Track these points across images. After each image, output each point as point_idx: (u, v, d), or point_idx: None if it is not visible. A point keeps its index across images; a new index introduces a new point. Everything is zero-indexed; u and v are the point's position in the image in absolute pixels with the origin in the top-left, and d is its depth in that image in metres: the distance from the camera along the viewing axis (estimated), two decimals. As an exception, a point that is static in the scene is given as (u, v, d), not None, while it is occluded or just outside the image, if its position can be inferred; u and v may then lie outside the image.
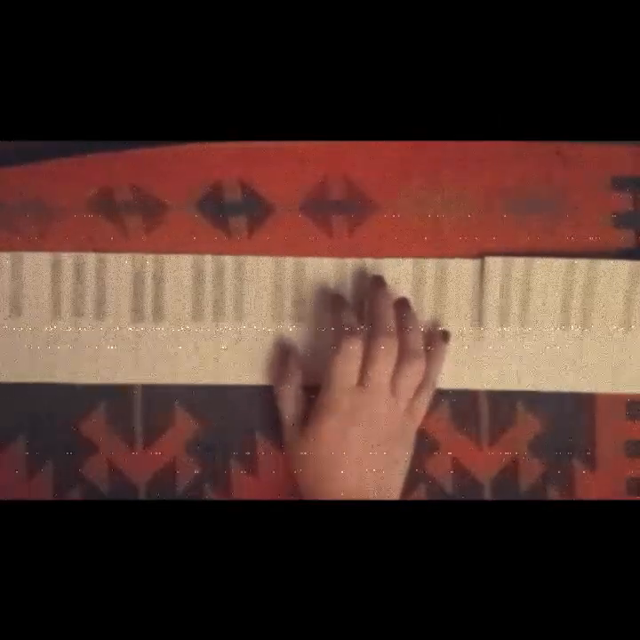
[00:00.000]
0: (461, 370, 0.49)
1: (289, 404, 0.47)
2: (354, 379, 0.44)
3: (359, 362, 0.44)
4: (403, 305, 0.47)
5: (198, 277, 0.49)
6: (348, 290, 0.49)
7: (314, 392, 0.46)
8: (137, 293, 0.49)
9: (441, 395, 0.49)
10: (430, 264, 0.49)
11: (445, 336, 0.48)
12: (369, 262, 0.49)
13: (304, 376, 0.48)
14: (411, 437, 0.47)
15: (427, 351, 0.47)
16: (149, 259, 0.49)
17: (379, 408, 0.45)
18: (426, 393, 0.47)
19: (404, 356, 0.45)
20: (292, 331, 0.49)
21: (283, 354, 0.48)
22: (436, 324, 0.49)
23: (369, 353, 0.44)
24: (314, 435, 0.45)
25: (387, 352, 0.44)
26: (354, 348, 0.44)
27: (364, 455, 0.44)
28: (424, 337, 0.47)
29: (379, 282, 0.48)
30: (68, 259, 0.49)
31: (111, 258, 0.49)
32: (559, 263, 0.49)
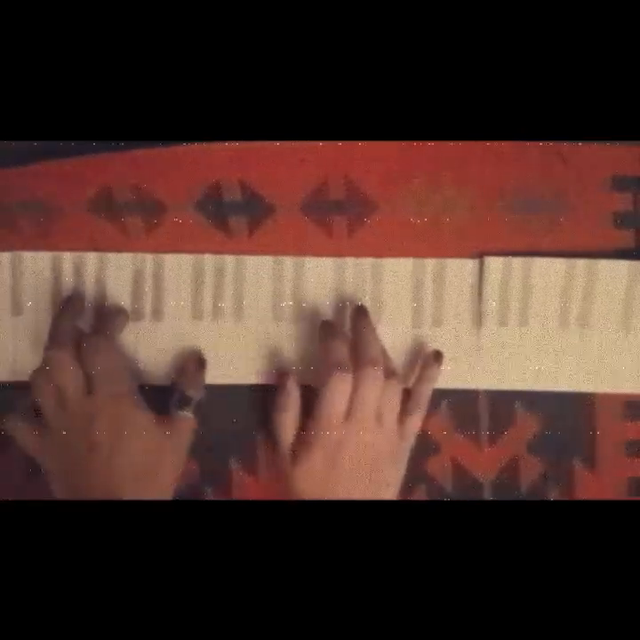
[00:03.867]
0: (460, 369, 0.49)
1: (287, 433, 0.47)
2: (342, 413, 0.45)
3: (348, 396, 0.45)
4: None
5: (198, 277, 0.49)
6: (345, 291, 0.49)
7: (311, 392, 0.46)
8: (137, 293, 0.49)
9: (441, 395, 0.49)
10: (429, 264, 0.49)
11: (437, 357, 0.48)
12: (368, 262, 0.49)
13: (302, 376, 0.48)
14: (403, 458, 0.47)
15: (419, 372, 0.48)
16: (149, 258, 0.49)
17: (366, 437, 0.45)
18: (416, 414, 0.47)
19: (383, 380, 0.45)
20: (291, 330, 0.49)
21: (282, 379, 0.47)
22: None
23: (356, 385, 0.44)
24: (304, 468, 0.45)
25: (372, 383, 0.45)
26: (343, 384, 0.44)
27: (354, 484, 0.45)
28: (415, 357, 0.49)
29: (360, 312, 0.47)
30: (68, 258, 0.49)
31: (111, 257, 0.49)
32: (558, 263, 0.49)
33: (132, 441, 0.44)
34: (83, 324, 0.48)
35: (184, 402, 0.47)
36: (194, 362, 0.49)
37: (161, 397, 0.48)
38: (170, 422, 0.46)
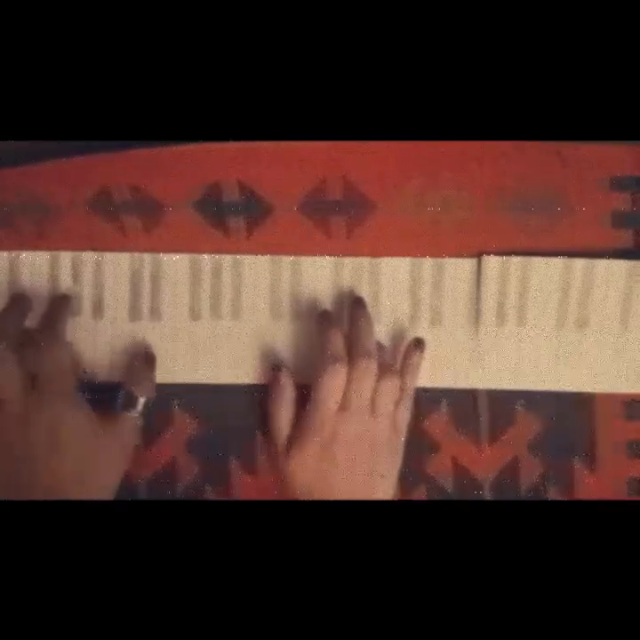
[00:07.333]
0: (459, 369, 0.49)
1: (282, 426, 0.47)
2: (337, 403, 0.45)
3: (343, 387, 0.45)
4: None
5: (196, 276, 0.49)
6: (344, 291, 0.49)
7: (308, 390, 0.46)
8: (135, 292, 0.49)
9: (440, 394, 0.49)
10: (428, 263, 0.49)
11: (419, 344, 0.48)
12: (367, 262, 0.49)
13: (301, 375, 0.48)
14: (398, 449, 0.47)
15: (402, 362, 0.48)
16: (147, 258, 0.49)
17: (361, 428, 0.45)
18: (405, 404, 0.47)
19: (378, 373, 0.45)
20: (289, 330, 0.49)
21: (275, 373, 0.48)
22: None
23: (350, 376, 0.45)
24: (298, 459, 0.45)
25: (366, 375, 0.45)
26: (338, 375, 0.44)
27: (348, 475, 0.45)
28: (398, 347, 0.49)
29: (359, 304, 0.48)
30: (66, 258, 0.49)
31: (109, 257, 0.49)
32: (557, 263, 0.49)
33: (69, 443, 0.43)
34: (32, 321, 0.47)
35: (129, 402, 0.46)
36: (141, 359, 0.48)
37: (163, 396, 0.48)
38: (113, 422, 0.45)
